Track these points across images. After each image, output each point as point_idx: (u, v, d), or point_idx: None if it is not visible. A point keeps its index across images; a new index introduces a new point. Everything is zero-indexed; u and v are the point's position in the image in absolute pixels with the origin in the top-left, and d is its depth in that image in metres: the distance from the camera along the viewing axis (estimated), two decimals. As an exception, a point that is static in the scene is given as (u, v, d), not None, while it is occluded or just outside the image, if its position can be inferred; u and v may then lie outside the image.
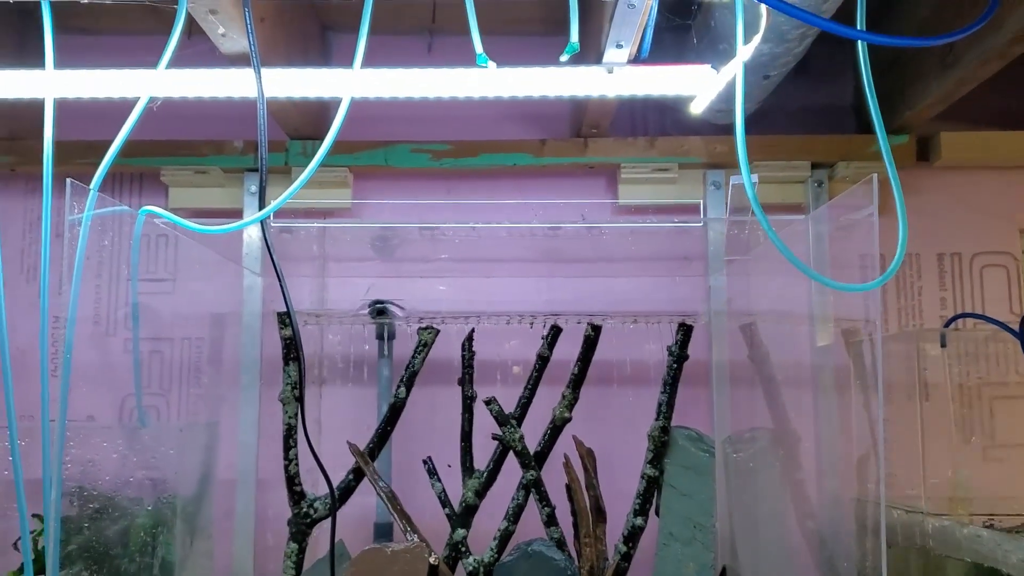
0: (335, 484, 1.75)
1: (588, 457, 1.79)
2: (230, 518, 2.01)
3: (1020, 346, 1.62)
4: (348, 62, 1.26)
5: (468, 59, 1.21)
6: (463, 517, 1.78)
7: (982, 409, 1.97)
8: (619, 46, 1.39)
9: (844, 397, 1.63)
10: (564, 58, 1.17)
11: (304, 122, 2.02)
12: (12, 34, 2.07)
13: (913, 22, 1.86)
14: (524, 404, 1.82)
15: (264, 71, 1.37)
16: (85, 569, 1.48)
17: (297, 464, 1.78)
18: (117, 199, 2.20)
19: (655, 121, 2.21)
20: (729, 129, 1.24)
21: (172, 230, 2.05)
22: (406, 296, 2.01)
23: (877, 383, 1.31)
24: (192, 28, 1.49)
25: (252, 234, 2.08)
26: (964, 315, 2.07)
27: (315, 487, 1.77)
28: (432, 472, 1.81)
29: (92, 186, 1.26)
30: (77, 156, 2.00)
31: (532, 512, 1.79)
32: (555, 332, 1.84)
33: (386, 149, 2.10)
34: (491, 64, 1.20)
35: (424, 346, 1.83)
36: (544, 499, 1.79)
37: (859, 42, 1.21)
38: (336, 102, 1.29)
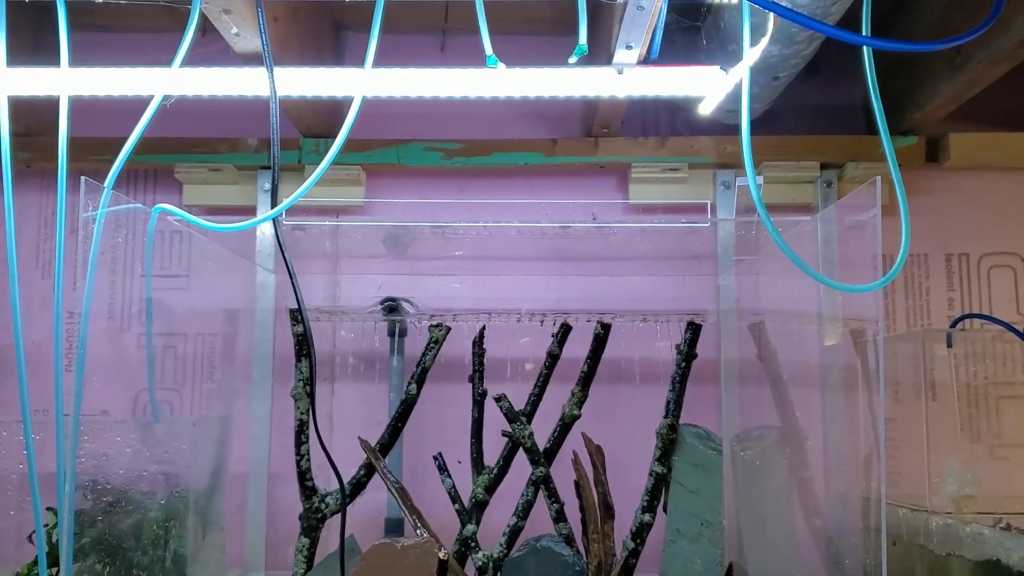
0: (347, 479, 1.77)
1: (597, 454, 1.80)
2: (242, 512, 2.03)
3: (1025, 346, 1.62)
4: (362, 60, 1.27)
5: (480, 58, 1.22)
6: (473, 513, 1.79)
7: (988, 409, 1.98)
8: (629, 47, 1.40)
9: (851, 396, 1.63)
10: (572, 60, 1.18)
11: (317, 120, 2.03)
12: (28, 31, 2.09)
13: (923, 24, 1.87)
14: (534, 401, 1.83)
15: (277, 70, 1.39)
16: (98, 562, 1.49)
17: (309, 459, 1.80)
18: (132, 195, 2.22)
19: (666, 121, 2.22)
20: (739, 129, 1.25)
21: (186, 227, 2.07)
22: (418, 293, 2.03)
23: (879, 383, 1.32)
24: (207, 26, 1.50)
25: (265, 231, 2.09)
26: (970, 316, 2.07)
27: (327, 482, 1.78)
28: (442, 468, 1.82)
29: (106, 184, 1.28)
30: (92, 153, 2.03)
31: (541, 508, 1.80)
32: (565, 330, 1.85)
33: (398, 148, 2.11)
34: (500, 65, 1.21)
35: (435, 343, 1.84)
36: (553, 495, 1.80)
37: (865, 48, 1.22)
38: (349, 100, 1.30)
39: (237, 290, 2.10)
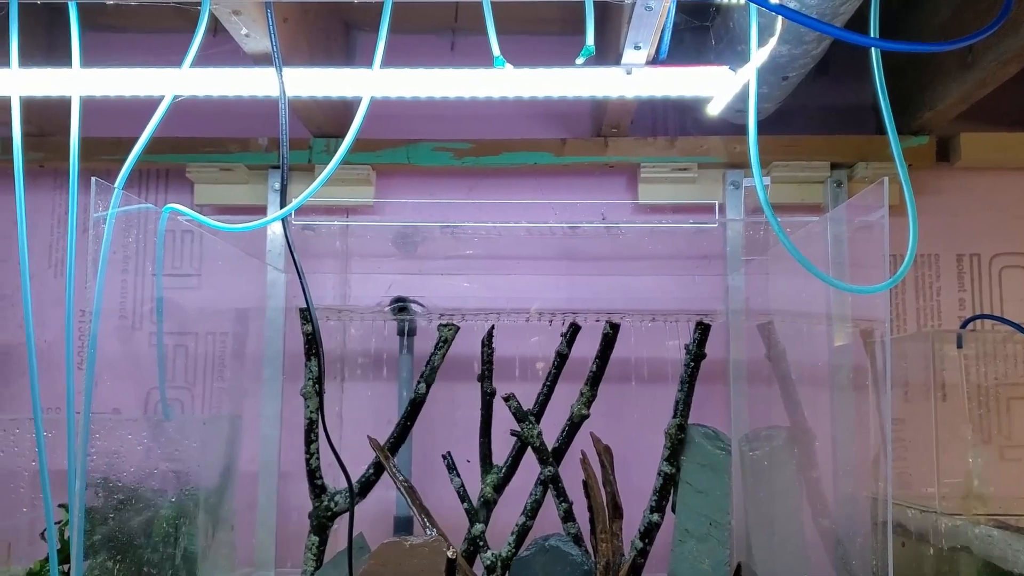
0: (356, 478, 1.77)
1: (605, 454, 1.80)
2: (252, 510, 2.04)
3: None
4: (371, 60, 1.27)
5: (490, 58, 1.23)
6: (481, 512, 1.79)
7: (999, 409, 1.97)
8: (637, 47, 1.40)
9: (861, 396, 1.63)
10: (580, 61, 1.18)
11: (327, 120, 2.04)
12: (41, 32, 2.10)
13: (933, 23, 1.86)
14: (543, 401, 1.84)
15: (286, 70, 1.40)
16: (109, 559, 1.50)
17: (318, 458, 1.80)
18: (144, 194, 2.24)
19: (675, 121, 2.22)
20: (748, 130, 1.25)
21: (197, 226, 2.08)
22: (427, 293, 2.04)
23: (885, 383, 1.32)
24: (217, 27, 1.51)
25: (276, 231, 2.10)
26: (981, 316, 2.06)
27: (336, 480, 1.79)
28: (451, 467, 1.83)
29: (116, 184, 1.29)
30: (104, 152, 2.04)
31: (550, 508, 1.81)
32: (574, 329, 1.85)
33: (408, 147, 2.12)
34: (508, 66, 1.21)
35: (444, 342, 1.85)
36: (561, 495, 1.80)
37: (873, 49, 1.22)
38: (359, 100, 1.31)
39: (248, 289, 2.11)
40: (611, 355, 1.84)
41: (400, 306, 1.99)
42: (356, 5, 2.05)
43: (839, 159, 2.08)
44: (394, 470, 1.76)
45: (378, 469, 1.80)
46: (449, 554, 1.51)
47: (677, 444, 1.77)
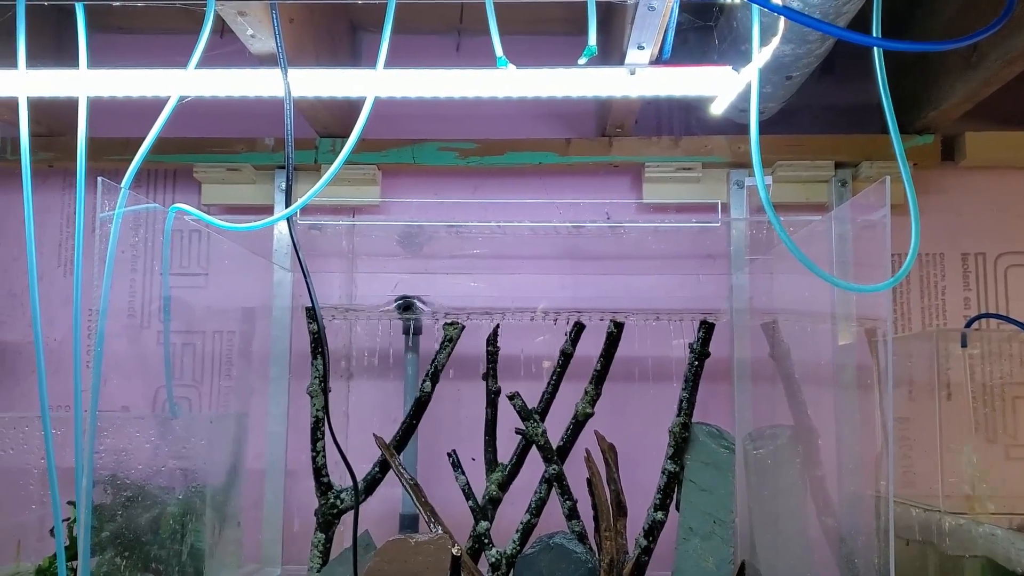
0: (362, 476, 1.78)
1: (610, 452, 1.81)
2: (259, 507, 2.05)
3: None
4: (377, 60, 1.28)
5: (495, 58, 1.23)
6: (486, 509, 1.80)
7: (1004, 409, 1.97)
8: (641, 47, 1.40)
9: (864, 395, 1.63)
10: (582, 61, 1.19)
11: (333, 120, 2.05)
12: (49, 32, 2.11)
13: (938, 22, 1.86)
14: (547, 399, 1.84)
15: (292, 71, 1.41)
16: (117, 556, 1.51)
17: (324, 456, 1.81)
18: (152, 194, 2.25)
19: (680, 120, 2.22)
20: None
21: (204, 226, 2.09)
22: (432, 292, 2.04)
23: (887, 382, 1.32)
24: (223, 27, 1.52)
25: (282, 230, 2.11)
26: (985, 315, 2.06)
27: (342, 478, 1.80)
28: (456, 465, 1.84)
29: (123, 184, 1.30)
30: (112, 152, 2.06)
31: (554, 505, 1.81)
32: (578, 328, 1.86)
33: (414, 147, 2.13)
34: (511, 66, 1.22)
35: (449, 341, 1.85)
36: (566, 493, 1.81)
37: (875, 49, 1.22)
38: (365, 100, 1.32)
39: (254, 288, 2.12)
40: (615, 354, 1.84)
41: (406, 305, 2.00)
42: (361, 6, 2.07)
43: (844, 158, 2.08)
44: (400, 468, 1.77)
45: (384, 467, 1.81)
46: (454, 551, 1.52)
47: (681, 442, 1.77)
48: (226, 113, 2.04)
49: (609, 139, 2.12)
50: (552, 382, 1.85)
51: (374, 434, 1.82)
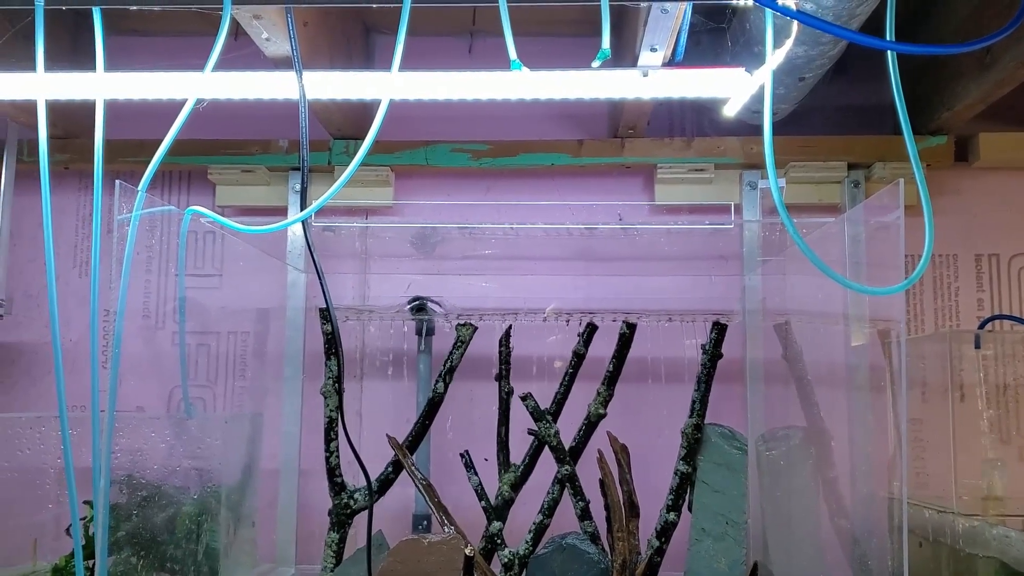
0: (375, 476, 1.79)
1: (622, 453, 1.81)
2: (273, 507, 2.06)
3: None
4: (391, 62, 1.29)
5: (508, 60, 1.24)
6: (499, 510, 1.81)
7: (1018, 410, 1.96)
8: (653, 49, 1.41)
9: (877, 397, 1.63)
10: (596, 64, 1.19)
11: (347, 122, 2.06)
12: (66, 35, 2.13)
13: (951, 23, 1.86)
14: (560, 400, 1.85)
15: (307, 73, 1.42)
16: (133, 555, 1.52)
17: (338, 456, 1.82)
18: (167, 196, 2.26)
19: (692, 121, 2.22)
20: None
21: (219, 228, 2.10)
22: (445, 293, 2.05)
23: (901, 384, 1.32)
24: (238, 31, 1.53)
25: (296, 231, 2.12)
26: (999, 317, 2.06)
27: (356, 478, 1.80)
28: (469, 465, 1.84)
29: (140, 187, 1.31)
30: (128, 154, 2.07)
31: (567, 506, 1.82)
32: (591, 329, 1.86)
33: (427, 149, 2.13)
34: (524, 69, 1.23)
35: (462, 342, 1.86)
36: (578, 493, 1.81)
37: (889, 52, 1.22)
38: (378, 102, 1.32)
39: (268, 289, 2.13)
40: (628, 355, 1.84)
41: (418, 306, 2.01)
42: (375, 9, 2.08)
43: (856, 159, 2.08)
44: (413, 468, 1.78)
45: (397, 467, 1.82)
46: (467, 552, 1.52)
47: (694, 443, 1.77)
48: (240, 115, 2.05)
49: (621, 140, 2.12)
50: (565, 383, 1.85)
51: (387, 434, 1.82)
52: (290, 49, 1.43)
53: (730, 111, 1.66)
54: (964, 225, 2.14)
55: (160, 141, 1.29)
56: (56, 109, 2.03)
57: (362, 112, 2.12)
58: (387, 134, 1.33)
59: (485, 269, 2.13)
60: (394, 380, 2.13)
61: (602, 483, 1.78)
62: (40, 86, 1.28)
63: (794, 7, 1.18)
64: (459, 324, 1.87)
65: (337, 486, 1.82)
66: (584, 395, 1.84)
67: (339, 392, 1.77)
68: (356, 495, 1.82)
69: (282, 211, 2.16)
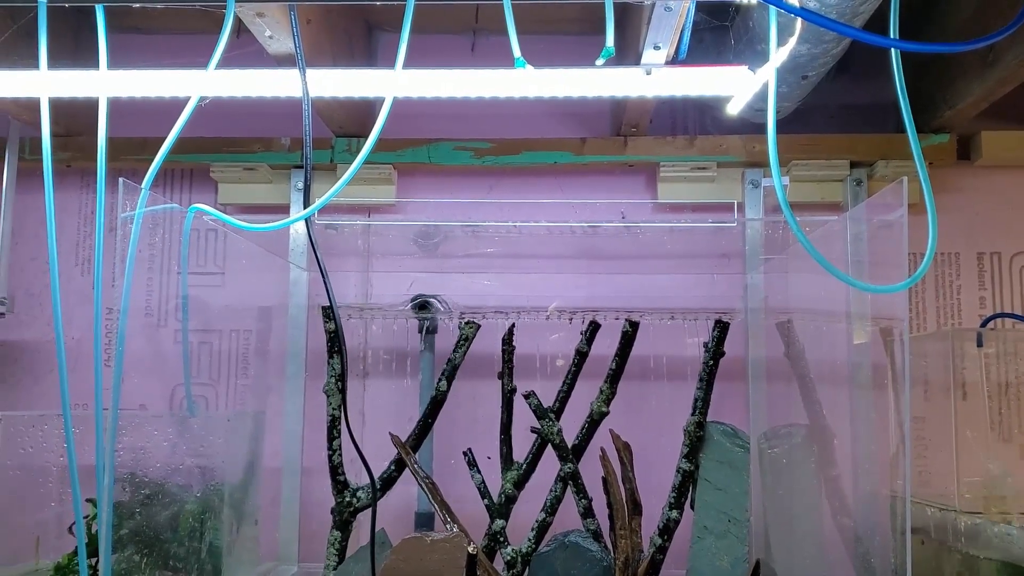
0: (378, 474, 1.79)
1: (625, 451, 1.81)
2: (276, 505, 2.07)
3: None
4: (394, 60, 1.28)
5: (510, 58, 1.24)
6: (502, 508, 1.81)
7: (1020, 408, 1.96)
8: (657, 48, 1.41)
9: (880, 395, 1.63)
10: (600, 62, 1.19)
11: (349, 120, 2.06)
12: (68, 33, 2.13)
13: (954, 22, 1.86)
14: (562, 398, 1.85)
15: (310, 71, 1.41)
16: (136, 553, 1.53)
17: (341, 454, 1.82)
18: (169, 194, 2.26)
19: (695, 120, 2.22)
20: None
21: (221, 225, 2.11)
22: (448, 291, 2.05)
23: (904, 382, 1.32)
24: (241, 28, 1.53)
25: (298, 229, 2.12)
26: (1001, 315, 2.06)
27: (358, 476, 1.81)
28: (472, 463, 1.84)
29: (144, 185, 1.31)
30: (130, 152, 2.07)
31: (569, 504, 1.82)
32: (593, 328, 1.86)
33: (429, 147, 2.13)
34: (528, 67, 1.23)
35: (465, 340, 1.86)
36: (581, 491, 1.82)
37: (893, 50, 1.22)
38: (381, 100, 1.32)
39: (271, 287, 2.13)
40: (630, 353, 1.84)
41: (421, 304, 2.01)
42: (379, 6, 2.08)
43: (859, 158, 2.07)
44: (415, 466, 1.78)
45: (400, 465, 1.82)
46: (470, 550, 1.52)
47: (696, 441, 1.77)
48: (242, 113, 2.05)
49: (624, 138, 2.12)
50: (567, 381, 1.85)
51: (390, 433, 1.83)
52: (293, 47, 1.43)
53: (733, 109, 1.66)
54: (966, 223, 2.14)
55: (162, 139, 1.28)
56: (58, 107, 2.03)
57: (365, 110, 2.12)
58: (390, 132, 1.33)
59: (488, 267, 2.13)
60: (397, 378, 2.13)
61: (605, 481, 1.78)
62: (43, 84, 1.28)
63: (798, 5, 1.18)
64: (462, 322, 1.87)
65: (340, 484, 1.82)
66: (587, 393, 1.84)
67: (342, 390, 1.77)
68: (359, 493, 1.82)
69: (284, 209, 2.16)
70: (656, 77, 1.46)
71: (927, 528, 1.64)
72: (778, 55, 1.27)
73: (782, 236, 1.99)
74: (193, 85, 1.46)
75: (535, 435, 1.82)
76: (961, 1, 1.83)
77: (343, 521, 1.81)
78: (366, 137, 1.26)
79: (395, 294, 2.10)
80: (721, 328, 1.82)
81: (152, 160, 1.28)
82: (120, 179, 1.32)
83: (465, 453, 1.85)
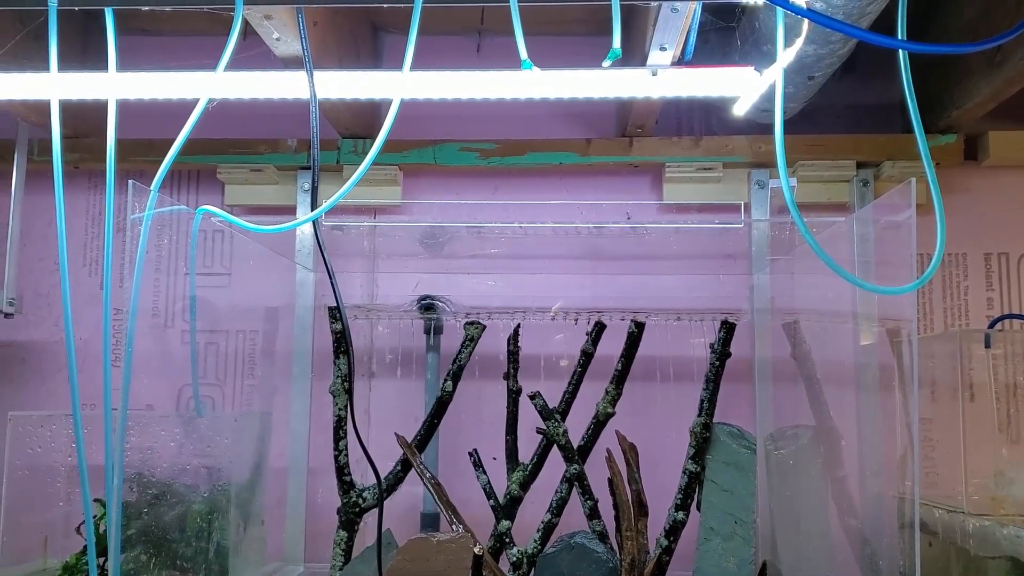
0: (384, 474, 1.79)
1: (630, 452, 1.81)
2: (282, 505, 2.07)
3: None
4: (399, 62, 1.29)
5: (516, 59, 1.23)
6: (508, 509, 1.81)
7: (1029, 410, 1.96)
8: (663, 49, 1.41)
9: (887, 396, 1.63)
10: (606, 64, 1.19)
11: (355, 121, 2.06)
12: (77, 35, 2.14)
13: (960, 22, 1.85)
14: (568, 399, 1.85)
15: (316, 73, 1.42)
16: (144, 552, 1.53)
17: (347, 454, 1.83)
18: (175, 195, 2.27)
19: (700, 120, 2.22)
20: (773, 129, 1.25)
21: (228, 227, 2.11)
22: (454, 292, 2.05)
23: (912, 383, 1.32)
24: (248, 30, 1.53)
25: (305, 230, 2.12)
26: (1008, 316, 2.05)
27: (364, 477, 1.81)
28: (478, 464, 1.84)
29: (153, 187, 1.31)
30: (139, 154, 2.08)
31: (575, 505, 1.82)
32: (599, 328, 1.86)
33: (435, 148, 2.13)
34: (535, 68, 1.23)
35: (471, 341, 1.86)
36: (587, 492, 1.82)
37: (900, 51, 1.22)
38: (387, 101, 1.32)
39: (277, 288, 2.14)
40: (636, 354, 1.84)
41: (427, 305, 2.01)
42: (385, 8, 2.08)
43: (865, 158, 2.07)
44: (421, 467, 1.78)
45: (405, 466, 1.82)
46: (476, 550, 1.52)
47: (702, 442, 1.77)
48: (249, 114, 2.05)
49: (629, 139, 2.12)
50: (573, 382, 1.85)
51: (396, 433, 1.83)
52: (300, 49, 1.43)
53: (740, 110, 1.66)
54: (973, 224, 2.14)
55: (169, 140, 1.29)
56: (66, 109, 2.01)
57: (371, 111, 2.12)
58: (395, 133, 1.33)
59: (493, 268, 2.13)
60: (403, 379, 2.13)
61: (611, 482, 1.78)
62: (53, 86, 1.28)
63: (804, 6, 1.18)
64: (467, 323, 1.87)
65: (346, 484, 1.82)
66: (592, 394, 1.84)
67: (348, 391, 1.77)
68: (365, 493, 1.82)
69: (291, 210, 2.16)
70: (662, 78, 1.46)
71: (935, 529, 1.64)
72: (785, 56, 1.27)
73: (788, 237, 1.99)
74: (201, 87, 1.47)
75: (541, 436, 1.82)
76: (967, 2, 1.83)
77: (349, 521, 1.82)
78: (372, 138, 1.27)
79: (401, 295, 2.10)
80: (727, 329, 1.82)
81: (160, 161, 1.28)
82: (130, 181, 1.32)
83: (471, 454, 1.86)
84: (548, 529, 1.80)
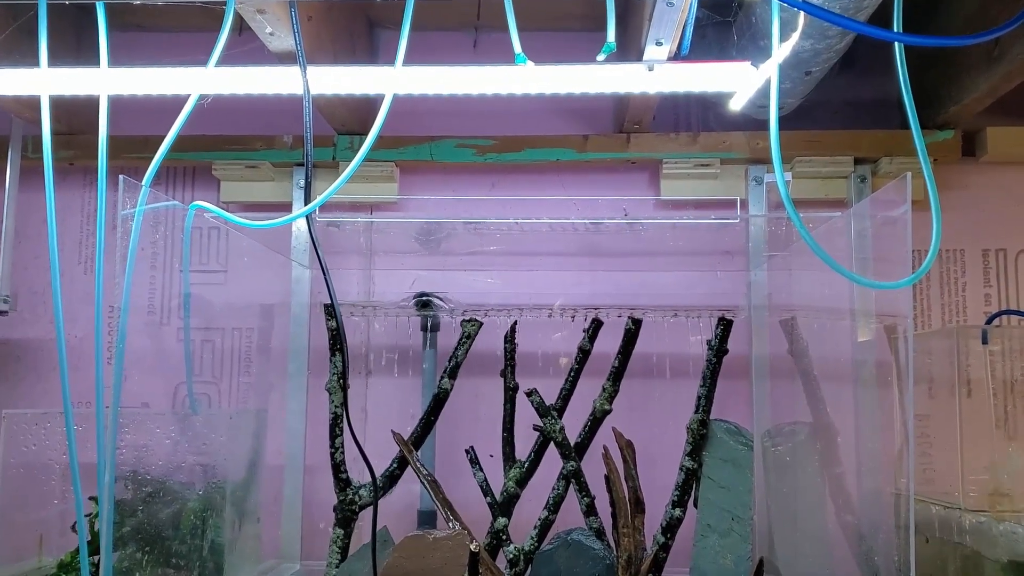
0: (380, 472, 1.79)
1: (627, 449, 1.81)
2: (278, 503, 2.07)
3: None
4: (395, 57, 1.28)
5: (512, 55, 1.23)
6: (504, 506, 1.80)
7: (1026, 406, 1.96)
8: (659, 43, 1.40)
9: (884, 392, 1.63)
10: (601, 58, 1.19)
11: (351, 117, 2.05)
12: (70, 31, 2.13)
13: (958, 16, 1.85)
14: (565, 396, 1.85)
15: (311, 68, 1.41)
16: (138, 551, 1.52)
17: (343, 452, 1.82)
18: (171, 192, 2.26)
19: (697, 116, 2.22)
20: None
21: (223, 223, 2.10)
22: (450, 289, 2.05)
23: (908, 379, 1.31)
24: (242, 25, 1.53)
25: (300, 227, 2.12)
26: (1006, 312, 2.05)
27: (361, 474, 1.80)
28: (474, 461, 1.84)
29: (144, 182, 1.30)
30: (132, 150, 2.07)
31: (572, 502, 1.82)
32: (596, 325, 1.86)
33: (431, 144, 2.13)
34: (529, 63, 1.22)
35: (468, 338, 1.86)
36: (584, 489, 1.81)
37: (897, 44, 1.21)
38: (383, 97, 1.32)
39: (273, 285, 2.13)
40: (633, 350, 1.84)
41: (423, 302, 2.00)
42: (379, 3, 2.07)
43: (863, 154, 2.07)
44: (418, 464, 1.78)
45: (402, 463, 1.82)
46: (472, 548, 1.52)
47: (699, 439, 1.77)
48: (244, 111, 2.05)
49: (627, 135, 2.12)
50: (570, 379, 1.85)
51: (392, 430, 1.82)
52: (294, 44, 1.42)
53: (736, 105, 1.65)
54: (971, 220, 2.13)
55: (163, 137, 1.28)
56: (60, 105, 2.03)
57: (367, 107, 2.12)
58: (392, 129, 1.33)
59: (490, 265, 2.13)
60: (399, 376, 2.13)
61: (607, 479, 1.78)
62: (44, 82, 1.28)
63: None
64: (464, 320, 1.87)
65: (342, 482, 1.82)
66: (589, 391, 1.84)
67: (344, 388, 1.77)
68: (361, 491, 1.81)
69: (286, 207, 2.16)
70: (658, 73, 1.45)
71: (932, 526, 1.64)
72: (781, 50, 1.26)
73: (786, 233, 1.99)
74: (194, 82, 1.45)
75: (538, 433, 1.82)
76: (964, -2, 1.83)
77: (345, 519, 1.81)
78: (368, 135, 1.26)
79: (397, 292, 2.10)
80: (724, 325, 1.81)
81: (154, 158, 1.28)
82: (120, 176, 1.31)
83: (467, 451, 1.85)
84: (545, 526, 1.80)
